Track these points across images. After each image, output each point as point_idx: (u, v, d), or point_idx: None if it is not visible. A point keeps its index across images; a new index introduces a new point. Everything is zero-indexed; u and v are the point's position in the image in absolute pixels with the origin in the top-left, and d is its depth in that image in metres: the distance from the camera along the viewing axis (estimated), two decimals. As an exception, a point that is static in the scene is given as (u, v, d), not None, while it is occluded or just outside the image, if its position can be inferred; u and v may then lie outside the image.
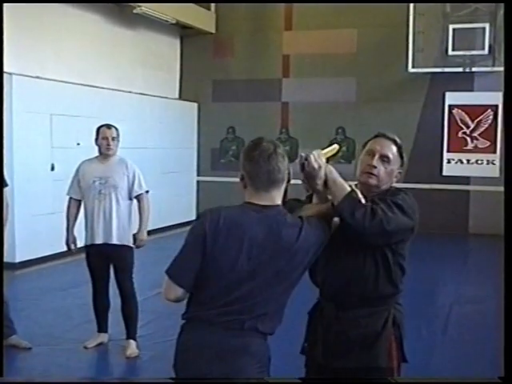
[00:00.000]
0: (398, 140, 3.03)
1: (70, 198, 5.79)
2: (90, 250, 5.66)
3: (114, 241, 5.54)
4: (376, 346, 2.85)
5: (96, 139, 5.65)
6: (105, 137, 5.58)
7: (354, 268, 2.85)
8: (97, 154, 5.75)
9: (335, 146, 2.90)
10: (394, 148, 2.98)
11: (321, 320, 2.98)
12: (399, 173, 3.01)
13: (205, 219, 2.60)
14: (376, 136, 3.02)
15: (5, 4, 6.59)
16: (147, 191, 5.74)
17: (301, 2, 13.17)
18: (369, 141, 3.02)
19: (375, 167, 2.90)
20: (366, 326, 2.84)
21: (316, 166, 2.73)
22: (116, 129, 5.69)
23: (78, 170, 5.75)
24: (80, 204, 5.74)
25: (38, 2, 9.47)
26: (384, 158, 2.92)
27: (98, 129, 5.68)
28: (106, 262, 5.65)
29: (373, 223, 2.63)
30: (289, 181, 2.71)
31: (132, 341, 5.60)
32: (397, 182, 3.03)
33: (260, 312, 2.54)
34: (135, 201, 5.70)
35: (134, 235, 5.67)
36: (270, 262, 2.53)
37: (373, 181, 2.91)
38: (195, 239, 2.57)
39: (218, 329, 2.53)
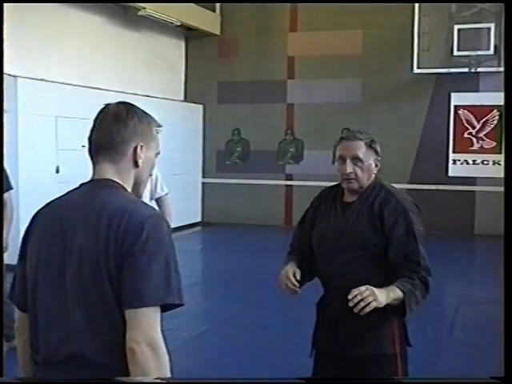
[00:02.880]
0: (361, 136, 3.04)
1: None
2: None
3: None
4: (378, 334, 2.93)
5: None
6: None
7: (356, 263, 2.96)
8: None
9: None
10: (361, 144, 3.01)
11: (326, 312, 3.07)
12: (377, 164, 3.10)
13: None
14: (341, 139, 3.08)
15: (10, 6, 6.59)
16: (167, 193, 5.82)
17: (305, 2, 13.15)
18: (337, 145, 3.08)
19: (351, 172, 2.99)
20: (368, 316, 2.84)
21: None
22: None
23: None
24: None
25: (38, 2, 9.46)
26: (355, 160, 3.00)
27: None
28: None
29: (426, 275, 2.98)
30: (136, 164, 2.10)
31: None
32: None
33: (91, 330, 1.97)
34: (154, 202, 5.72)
35: None
36: (75, 250, 2.00)
37: (354, 185, 3.02)
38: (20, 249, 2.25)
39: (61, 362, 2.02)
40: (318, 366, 3.11)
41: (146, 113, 2.20)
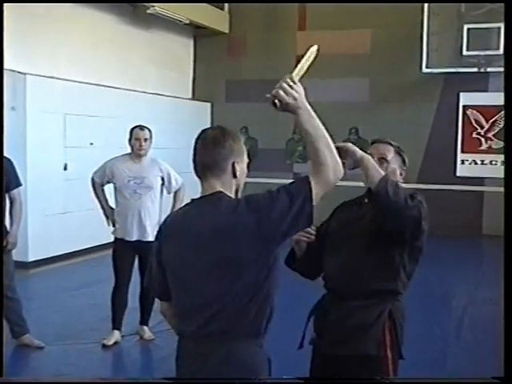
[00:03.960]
0: (392, 142, 3.15)
1: (93, 179, 5.98)
2: (120, 245, 5.81)
3: (149, 238, 5.67)
4: (367, 335, 2.92)
5: (129, 140, 5.83)
6: (138, 138, 5.77)
7: (356, 260, 2.96)
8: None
9: (312, 50, 2.67)
10: (391, 148, 3.11)
11: (320, 310, 3.10)
12: (402, 171, 3.12)
13: (159, 228, 2.67)
14: (372, 143, 3.17)
15: (17, 5, 6.62)
16: (181, 186, 6.00)
17: (314, 2, 13.14)
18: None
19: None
20: (359, 316, 2.91)
21: (291, 100, 2.57)
22: (149, 130, 5.88)
23: (106, 165, 5.94)
24: (103, 187, 5.98)
25: (38, 2, 9.49)
26: (382, 160, 3.04)
27: (132, 130, 5.85)
28: (132, 257, 5.82)
29: (413, 204, 2.75)
30: (235, 175, 2.54)
31: (145, 326, 5.91)
32: (403, 182, 3.06)
33: (230, 311, 2.40)
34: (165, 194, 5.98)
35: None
36: (213, 251, 2.41)
37: None
38: (153, 248, 2.63)
39: (200, 340, 2.45)
40: (312, 364, 3.13)
41: (236, 132, 2.63)
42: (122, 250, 5.79)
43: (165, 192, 5.99)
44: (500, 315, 6.88)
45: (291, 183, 2.49)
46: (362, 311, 2.92)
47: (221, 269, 2.39)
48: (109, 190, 6.01)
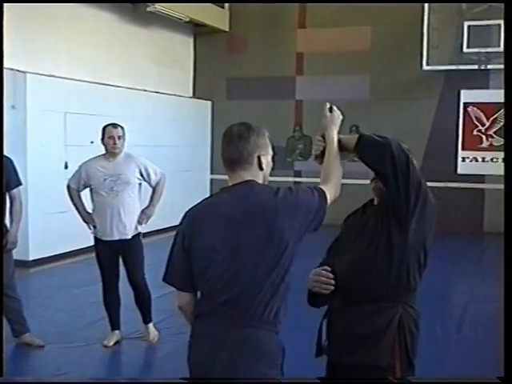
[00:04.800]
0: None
1: (69, 186, 5.86)
2: (101, 246, 5.71)
3: (129, 236, 5.63)
4: (377, 344, 2.81)
5: (102, 138, 5.72)
6: (111, 136, 5.65)
7: (366, 259, 2.85)
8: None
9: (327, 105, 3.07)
10: None
11: (329, 315, 3.01)
12: None
13: (182, 218, 2.73)
14: None
15: (19, 4, 6.62)
16: (163, 173, 5.88)
17: (313, 2, 13.13)
18: None
19: None
20: (368, 323, 2.82)
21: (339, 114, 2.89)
22: (122, 128, 5.76)
23: (81, 168, 5.84)
24: (79, 193, 5.86)
25: (38, 2, 9.48)
26: None
27: (104, 128, 5.75)
28: (116, 257, 5.71)
29: (401, 149, 2.93)
30: (261, 168, 2.67)
31: (150, 325, 5.82)
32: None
33: (254, 295, 2.49)
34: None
35: (142, 211, 5.76)
36: (247, 233, 2.52)
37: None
38: (175, 239, 2.69)
39: (218, 321, 2.53)
40: (327, 372, 3.04)
41: (260, 127, 2.78)
42: (105, 252, 5.68)
43: (146, 186, 5.87)
44: (501, 312, 6.86)
45: (314, 188, 2.68)
46: (372, 316, 2.82)
47: (251, 247, 2.50)
48: (85, 196, 5.90)
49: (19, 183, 5.57)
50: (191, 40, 14.05)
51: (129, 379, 4.95)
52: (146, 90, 11.93)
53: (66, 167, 9.61)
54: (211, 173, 14.08)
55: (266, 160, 2.70)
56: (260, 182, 2.67)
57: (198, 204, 2.76)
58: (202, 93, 14.04)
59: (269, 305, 2.50)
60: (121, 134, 5.69)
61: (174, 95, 12.92)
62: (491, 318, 6.99)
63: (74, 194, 5.85)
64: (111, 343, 5.72)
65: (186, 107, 13.27)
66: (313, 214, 2.59)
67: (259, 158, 2.66)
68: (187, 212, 2.74)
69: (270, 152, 2.74)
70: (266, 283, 2.49)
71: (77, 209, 5.89)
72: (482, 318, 7.04)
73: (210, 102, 14.05)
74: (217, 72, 13.94)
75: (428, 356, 5.29)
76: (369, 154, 2.86)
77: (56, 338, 5.88)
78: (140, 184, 5.79)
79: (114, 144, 5.63)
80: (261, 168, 2.67)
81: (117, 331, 5.80)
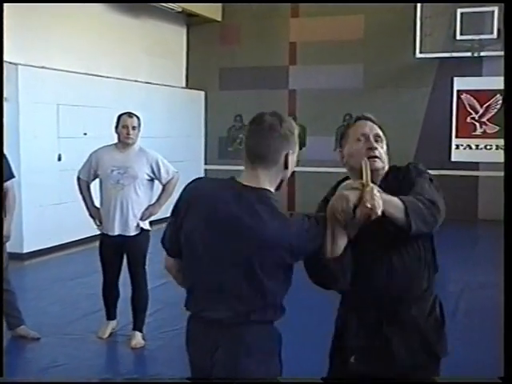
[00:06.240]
0: (375, 120, 2.86)
1: (79, 177, 5.71)
2: (105, 240, 5.60)
3: (131, 233, 5.48)
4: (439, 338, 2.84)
5: (116, 127, 5.50)
6: (125, 125, 5.44)
7: (400, 267, 2.71)
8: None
9: (366, 162, 2.47)
10: (378, 128, 2.81)
11: (360, 331, 2.75)
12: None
13: (186, 187, 2.59)
14: (357, 119, 2.83)
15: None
16: (176, 172, 5.66)
17: (305, 2, 13.11)
18: (347, 128, 2.83)
19: (376, 148, 2.71)
20: (422, 322, 2.75)
21: (379, 208, 2.35)
22: (137, 118, 5.56)
23: (91, 156, 5.64)
24: (89, 185, 5.70)
25: (38, 2, 9.44)
26: (377, 138, 2.76)
27: (119, 117, 5.53)
28: (119, 253, 5.58)
29: (439, 216, 2.65)
30: (286, 167, 2.47)
31: (138, 332, 5.59)
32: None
33: (238, 301, 2.41)
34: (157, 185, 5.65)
35: (147, 207, 5.54)
36: (229, 244, 2.39)
37: (379, 164, 2.71)
38: (175, 207, 2.58)
39: (205, 323, 2.48)
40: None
41: (292, 120, 2.58)
42: (107, 246, 5.56)
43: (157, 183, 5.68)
44: (495, 300, 6.89)
45: (315, 218, 2.45)
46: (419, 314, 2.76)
47: (237, 264, 2.39)
48: (95, 190, 5.79)
49: (12, 176, 5.53)
50: (184, 30, 14.00)
51: (129, 379, 4.95)
52: (138, 81, 11.89)
53: (60, 159, 9.60)
54: (205, 163, 14.07)
55: (292, 159, 2.49)
56: (277, 182, 2.47)
57: (202, 181, 2.63)
58: (195, 83, 14.00)
59: (255, 303, 2.42)
60: (136, 125, 5.49)
61: (167, 86, 12.89)
62: (486, 305, 7.01)
63: (83, 186, 5.68)
64: (106, 335, 5.70)
65: (179, 98, 13.24)
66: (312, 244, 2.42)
67: (286, 156, 2.46)
68: (190, 184, 2.57)
69: (297, 150, 2.54)
70: (250, 289, 2.40)
71: (84, 202, 5.70)
72: (476, 305, 7.07)
73: (203, 93, 14.01)
74: (210, 62, 13.90)
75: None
76: (418, 224, 2.50)
77: (51, 330, 5.87)
78: (152, 180, 5.57)
79: (128, 134, 5.42)
80: (286, 167, 2.47)
81: (112, 321, 5.78)
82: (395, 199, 2.45)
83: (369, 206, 2.32)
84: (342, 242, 2.43)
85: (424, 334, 2.74)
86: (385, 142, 2.78)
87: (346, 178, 2.78)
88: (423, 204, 2.54)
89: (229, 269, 2.40)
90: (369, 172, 2.41)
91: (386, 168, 2.77)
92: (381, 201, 2.35)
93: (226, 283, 2.42)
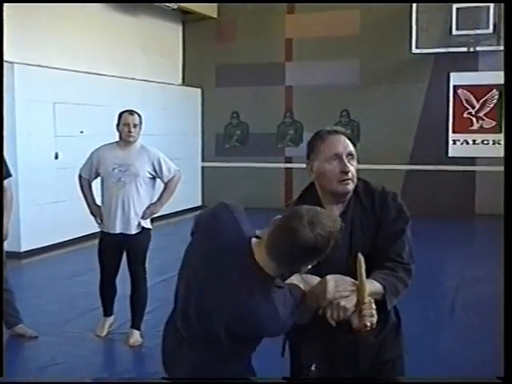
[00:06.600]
0: (343, 129, 2.72)
1: (80, 175, 5.69)
2: (105, 238, 5.57)
3: (133, 231, 5.45)
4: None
5: (117, 125, 5.47)
6: (126, 123, 5.40)
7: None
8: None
9: (361, 260, 2.39)
10: (349, 142, 2.63)
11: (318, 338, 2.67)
12: None
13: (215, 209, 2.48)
14: (328, 133, 2.63)
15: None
16: (178, 170, 5.63)
17: (301, 2, 13.11)
18: (318, 142, 2.63)
19: (350, 171, 2.57)
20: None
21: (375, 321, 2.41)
22: (139, 115, 5.52)
23: (92, 154, 5.61)
24: (90, 183, 5.68)
25: (38, 2, 9.41)
26: (350, 158, 2.59)
27: (120, 114, 5.50)
28: (119, 251, 5.56)
29: (410, 264, 2.60)
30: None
31: (136, 330, 5.59)
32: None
33: (194, 334, 2.43)
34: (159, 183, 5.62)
35: (148, 206, 5.51)
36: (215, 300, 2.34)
37: (351, 186, 2.60)
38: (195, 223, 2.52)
39: (174, 336, 2.55)
40: None
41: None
42: (107, 244, 5.54)
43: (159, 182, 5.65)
44: (493, 294, 6.90)
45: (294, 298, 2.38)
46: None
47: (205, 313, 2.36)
48: (96, 189, 5.77)
49: (9, 174, 5.53)
50: (180, 27, 13.97)
51: (129, 379, 4.95)
52: (135, 79, 11.88)
53: (57, 157, 9.59)
54: (202, 160, 14.07)
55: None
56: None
57: (224, 214, 2.43)
58: (192, 80, 13.99)
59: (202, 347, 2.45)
60: (137, 122, 5.44)
61: (163, 83, 12.87)
62: (483, 300, 7.03)
63: (84, 184, 5.66)
64: (104, 333, 5.70)
65: (176, 95, 13.22)
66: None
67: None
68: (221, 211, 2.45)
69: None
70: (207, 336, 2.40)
71: (86, 200, 5.69)
72: (474, 300, 7.08)
73: (199, 90, 14.00)
74: (206, 59, 13.89)
75: (420, 338, 5.31)
76: (392, 302, 2.55)
77: (49, 329, 5.87)
78: (154, 179, 5.54)
79: (129, 132, 5.38)
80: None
81: (109, 317, 5.78)
82: (378, 288, 2.45)
83: (368, 324, 2.34)
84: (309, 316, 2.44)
85: (383, 334, 2.67)
86: (355, 158, 2.63)
87: (311, 186, 2.75)
88: (401, 282, 2.55)
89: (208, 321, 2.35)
90: (363, 271, 2.36)
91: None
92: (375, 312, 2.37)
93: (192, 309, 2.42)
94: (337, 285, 2.36)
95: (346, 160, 2.56)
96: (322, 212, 2.24)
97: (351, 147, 2.60)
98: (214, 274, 2.32)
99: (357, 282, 2.37)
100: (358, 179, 2.64)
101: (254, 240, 2.33)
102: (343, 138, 2.61)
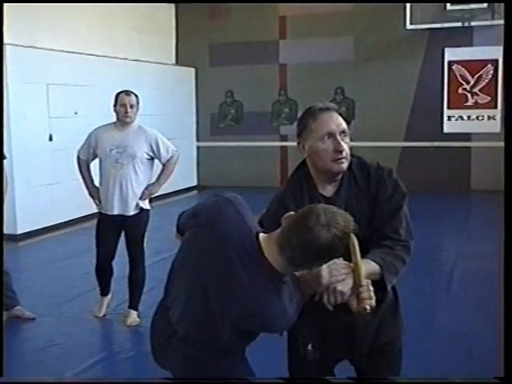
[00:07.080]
0: (335, 106, 2.63)
1: (78, 157, 5.67)
2: (103, 218, 5.56)
3: (131, 212, 5.44)
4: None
5: (114, 106, 5.44)
6: (123, 104, 5.37)
7: None
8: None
9: (354, 241, 2.30)
10: (342, 119, 2.55)
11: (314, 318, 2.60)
12: None
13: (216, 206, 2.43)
14: (320, 110, 2.54)
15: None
16: (176, 150, 5.62)
17: (294, 2, 13.01)
18: (310, 120, 2.56)
19: (344, 150, 2.51)
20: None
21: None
22: (136, 96, 5.48)
23: (90, 136, 5.59)
24: (89, 165, 5.67)
25: (38, 2, 9.34)
26: (343, 135, 2.52)
27: (117, 95, 5.46)
28: (117, 232, 5.55)
29: (407, 242, 2.55)
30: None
31: (133, 310, 5.60)
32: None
33: (187, 326, 2.41)
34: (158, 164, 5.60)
35: (146, 186, 5.50)
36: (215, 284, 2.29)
37: (345, 165, 2.54)
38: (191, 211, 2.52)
39: (164, 330, 2.53)
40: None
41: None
42: (105, 225, 5.51)
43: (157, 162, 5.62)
44: (489, 269, 6.92)
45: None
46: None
47: (206, 297, 2.31)
48: (95, 170, 5.76)
49: (3, 157, 5.51)
50: (172, 6, 13.87)
51: (129, 379, 4.96)
52: (128, 59, 11.81)
53: (51, 139, 9.55)
54: (197, 140, 14.04)
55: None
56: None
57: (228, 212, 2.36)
58: (185, 60, 13.91)
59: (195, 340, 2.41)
60: (134, 103, 5.41)
61: (157, 63, 12.80)
62: (479, 274, 7.07)
63: (82, 166, 5.64)
64: (102, 313, 5.72)
65: (170, 75, 13.16)
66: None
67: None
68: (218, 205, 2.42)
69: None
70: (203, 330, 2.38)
71: (84, 181, 5.68)
72: (470, 275, 7.12)
73: (193, 69, 13.93)
74: (199, 38, 13.80)
75: (417, 314, 5.34)
76: (391, 282, 2.51)
77: (47, 310, 5.89)
78: (152, 159, 5.52)
79: (126, 113, 5.35)
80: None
81: (106, 296, 5.79)
82: (375, 268, 2.40)
83: (367, 307, 2.29)
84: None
85: (381, 314, 2.64)
86: (348, 135, 2.56)
87: (302, 164, 2.71)
88: (400, 260, 2.51)
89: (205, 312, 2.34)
90: (357, 252, 2.30)
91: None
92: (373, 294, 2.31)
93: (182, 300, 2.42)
94: (331, 269, 2.30)
95: (339, 138, 2.50)
96: (339, 212, 2.17)
97: (344, 124, 2.53)
98: (221, 270, 2.25)
99: (351, 265, 2.32)
100: (352, 156, 2.59)
101: (262, 235, 2.27)
102: (335, 115, 2.54)
